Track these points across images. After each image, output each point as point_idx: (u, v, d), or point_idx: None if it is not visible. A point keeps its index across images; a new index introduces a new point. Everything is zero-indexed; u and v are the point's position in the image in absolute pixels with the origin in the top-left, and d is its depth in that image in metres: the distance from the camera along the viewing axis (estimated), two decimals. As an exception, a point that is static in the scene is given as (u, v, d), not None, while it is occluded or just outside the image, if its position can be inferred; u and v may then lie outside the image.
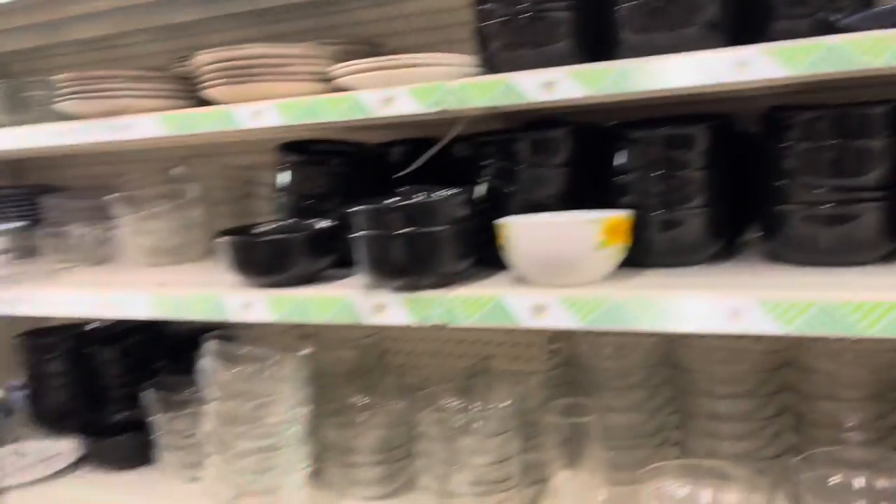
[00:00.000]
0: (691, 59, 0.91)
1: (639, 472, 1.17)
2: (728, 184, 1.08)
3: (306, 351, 1.29)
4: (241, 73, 1.16)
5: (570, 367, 1.39)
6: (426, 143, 1.40)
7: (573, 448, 1.16)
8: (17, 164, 2.05)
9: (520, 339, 1.57)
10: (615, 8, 1.02)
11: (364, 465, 1.34)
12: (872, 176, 0.95)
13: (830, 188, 0.96)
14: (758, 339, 1.32)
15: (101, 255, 1.63)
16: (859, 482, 1.13)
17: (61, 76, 1.30)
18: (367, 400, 1.46)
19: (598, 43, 1.05)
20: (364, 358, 1.58)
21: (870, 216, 0.95)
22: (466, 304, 0.98)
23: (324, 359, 1.49)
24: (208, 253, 1.56)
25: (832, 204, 0.97)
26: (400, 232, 1.02)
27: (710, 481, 1.15)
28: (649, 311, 0.91)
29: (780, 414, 1.25)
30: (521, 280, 1.05)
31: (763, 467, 1.21)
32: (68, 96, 1.27)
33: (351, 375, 1.53)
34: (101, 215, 1.66)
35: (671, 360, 1.34)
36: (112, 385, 1.71)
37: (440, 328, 0.97)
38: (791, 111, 1.00)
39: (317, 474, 1.33)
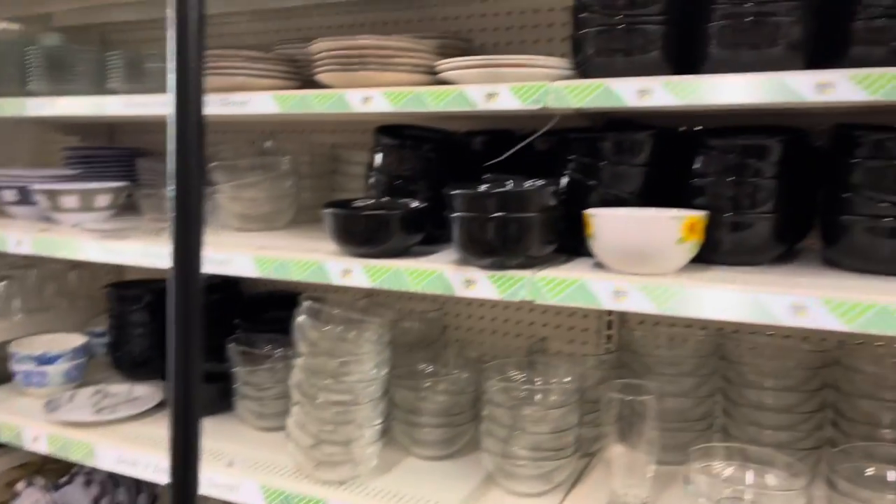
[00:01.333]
0: (777, 79, 1.00)
1: (688, 451, 1.28)
2: (794, 192, 1.17)
3: (389, 317, 1.41)
4: (352, 61, 1.27)
5: (624, 351, 1.50)
6: (506, 134, 1.51)
7: (626, 426, 1.26)
8: (112, 128, 2.19)
9: (575, 324, 1.68)
10: (705, 24, 1.12)
11: (428, 426, 1.46)
12: (933, 195, 1.04)
13: (892, 203, 1.06)
14: (804, 339, 1.42)
15: (192, 218, 1.76)
16: (893, 476, 1.23)
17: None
18: (431, 368, 1.59)
19: (686, 55, 1.16)
20: (428, 330, 1.70)
21: (928, 232, 1.05)
22: (553, 284, 1.09)
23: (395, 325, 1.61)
24: (295, 222, 1.69)
25: (892, 218, 1.06)
26: (494, 215, 1.13)
27: (753, 465, 1.25)
28: (719, 303, 1.01)
29: (821, 409, 1.35)
30: (600, 266, 1.16)
31: (801, 457, 1.31)
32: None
33: (416, 345, 1.65)
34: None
35: (721, 352, 1.44)
36: (191, 338, 1.85)
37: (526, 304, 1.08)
38: (861, 130, 1.10)
39: (385, 432, 1.45)
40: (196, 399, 0.75)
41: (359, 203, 1.35)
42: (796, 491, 1.12)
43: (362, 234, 1.25)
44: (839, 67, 0.98)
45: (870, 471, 1.24)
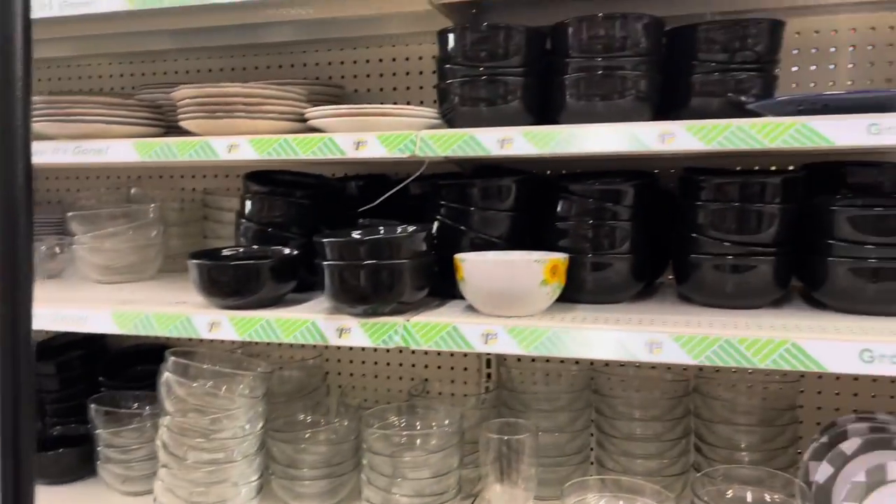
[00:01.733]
0: (625, 129, 1.07)
1: (563, 486, 1.31)
2: (649, 233, 1.25)
3: (263, 369, 1.36)
4: (218, 109, 1.24)
5: (502, 390, 1.52)
6: (380, 179, 1.53)
7: (505, 464, 1.28)
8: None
9: (455, 364, 1.70)
10: (562, 77, 1.18)
11: (308, 479, 1.42)
12: (767, 234, 1.14)
13: (733, 243, 1.15)
14: (668, 369, 1.50)
15: (48, 270, 1.65)
16: (751, 496, 1.31)
17: (34, 98, 1.35)
18: (311, 417, 1.55)
19: (546, 105, 1.22)
20: (308, 378, 1.66)
21: (764, 268, 1.14)
22: (426, 330, 1.10)
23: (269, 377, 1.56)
24: (163, 271, 1.62)
25: (734, 256, 1.15)
26: (365, 263, 1.13)
27: (624, 495, 1.30)
28: (582, 342, 1.06)
29: (685, 436, 1.42)
30: (471, 309, 1.18)
31: (669, 483, 1.37)
32: (41, 118, 1.32)
33: (295, 394, 1.61)
34: (47, 231, 1.68)
35: (592, 386, 1.49)
36: (49, 399, 1.71)
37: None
38: (703, 175, 1.18)
39: (263, 487, 1.40)
40: (27, 473, 0.69)
41: (227, 252, 1.31)
42: (664, 518, 1.17)
43: (230, 284, 1.21)
44: (683, 118, 1.07)
45: (730, 493, 1.32)
